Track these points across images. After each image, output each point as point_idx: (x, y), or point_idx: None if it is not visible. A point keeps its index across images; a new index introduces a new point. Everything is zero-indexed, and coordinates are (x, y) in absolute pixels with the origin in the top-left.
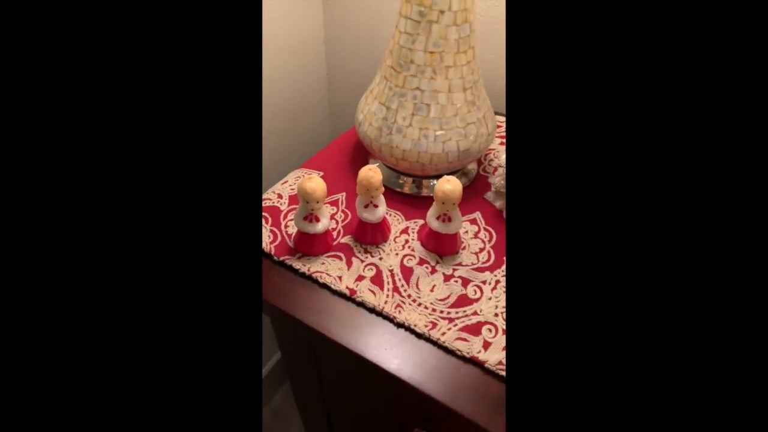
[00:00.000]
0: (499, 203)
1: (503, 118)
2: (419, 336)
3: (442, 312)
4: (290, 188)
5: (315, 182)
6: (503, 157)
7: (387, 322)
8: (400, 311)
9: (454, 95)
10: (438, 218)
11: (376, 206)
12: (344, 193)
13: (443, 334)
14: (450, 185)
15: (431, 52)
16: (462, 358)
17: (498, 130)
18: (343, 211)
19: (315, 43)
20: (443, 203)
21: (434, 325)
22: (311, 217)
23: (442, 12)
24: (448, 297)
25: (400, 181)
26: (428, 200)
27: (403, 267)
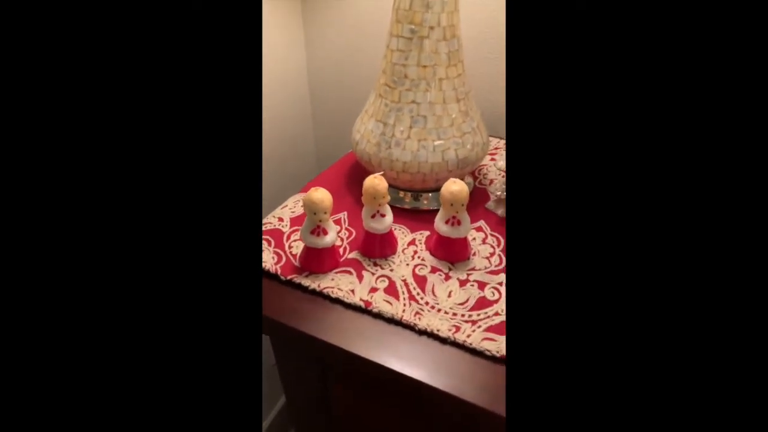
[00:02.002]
0: (501, 210)
1: (490, 138)
2: (444, 341)
3: (463, 315)
4: (290, 211)
5: (321, 193)
6: (501, 163)
7: (407, 331)
8: (420, 318)
9: (449, 106)
10: (447, 222)
11: (383, 215)
12: (345, 213)
13: (468, 336)
14: (456, 186)
15: (424, 66)
16: (492, 358)
17: None
18: (346, 229)
19: (298, 85)
20: (452, 205)
21: (457, 328)
22: (319, 230)
23: (432, 28)
24: (467, 301)
25: (400, 196)
26: (429, 213)
27: (416, 276)
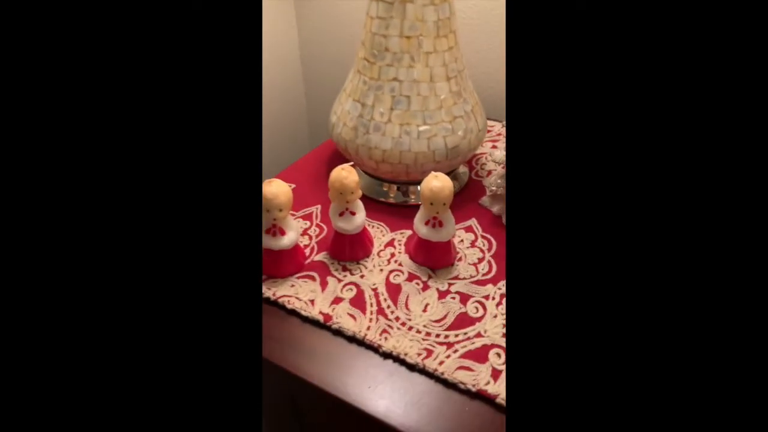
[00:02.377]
0: (497, 208)
1: (492, 122)
2: (411, 368)
3: (438, 336)
4: None
5: (276, 186)
6: (496, 153)
7: (371, 353)
8: (386, 338)
9: (437, 85)
10: (427, 223)
11: (353, 214)
12: (319, 206)
13: (441, 363)
14: (438, 182)
15: (408, 37)
16: (467, 392)
17: (487, 134)
18: (317, 225)
19: (291, 59)
20: (432, 204)
21: (429, 352)
22: (275, 229)
23: None
24: (445, 317)
25: (384, 189)
26: (415, 210)
27: (389, 284)
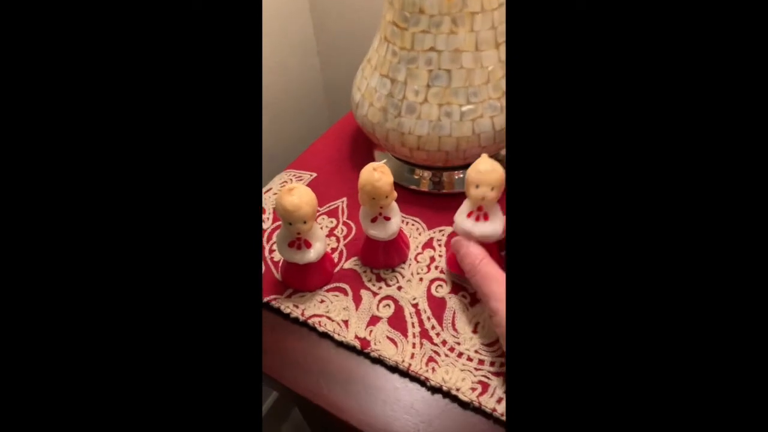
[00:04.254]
0: None
1: None
2: (465, 405)
3: (492, 364)
4: (275, 197)
5: (298, 195)
6: None
7: (417, 385)
8: (434, 368)
9: (484, 54)
10: (470, 215)
11: (387, 219)
12: (345, 199)
13: (499, 401)
14: (485, 165)
15: None
16: None
17: None
18: (344, 224)
19: (301, 15)
20: (477, 187)
21: (485, 386)
22: (299, 242)
23: None
24: (499, 339)
25: (415, 177)
26: (454, 200)
27: (431, 298)
